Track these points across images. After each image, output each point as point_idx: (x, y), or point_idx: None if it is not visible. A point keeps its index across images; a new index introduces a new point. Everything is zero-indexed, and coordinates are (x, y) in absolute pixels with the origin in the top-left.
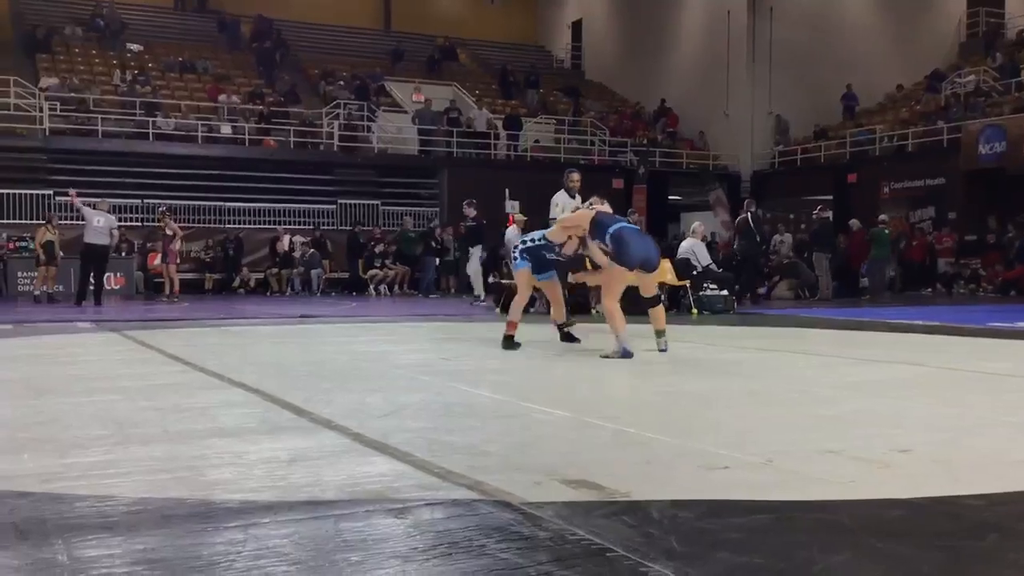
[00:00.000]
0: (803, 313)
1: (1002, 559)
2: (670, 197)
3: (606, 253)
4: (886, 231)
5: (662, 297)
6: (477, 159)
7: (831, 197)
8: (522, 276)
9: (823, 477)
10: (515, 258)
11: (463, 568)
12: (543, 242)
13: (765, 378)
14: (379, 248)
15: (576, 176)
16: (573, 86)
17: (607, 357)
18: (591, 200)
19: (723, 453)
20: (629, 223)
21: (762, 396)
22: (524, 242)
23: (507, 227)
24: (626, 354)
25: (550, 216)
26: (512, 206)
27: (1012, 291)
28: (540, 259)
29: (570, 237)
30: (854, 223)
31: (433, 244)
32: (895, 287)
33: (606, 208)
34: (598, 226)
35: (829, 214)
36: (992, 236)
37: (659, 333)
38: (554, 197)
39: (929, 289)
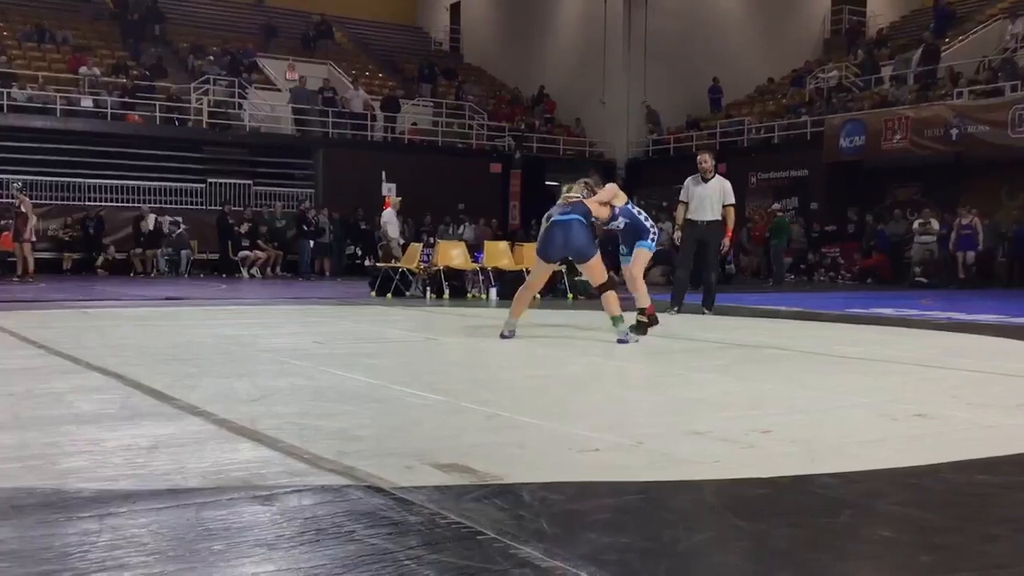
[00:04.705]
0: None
1: (855, 535)
2: (547, 182)
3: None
4: (786, 219)
5: (614, 283)
6: (353, 140)
7: None
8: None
9: (690, 458)
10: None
11: (331, 554)
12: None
13: (636, 362)
14: (244, 228)
15: (705, 156)
16: (451, 69)
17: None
18: (585, 180)
19: (595, 436)
20: (563, 213)
21: (634, 380)
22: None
23: (384, 210)
24: (504, 336)
25: (679, 198)
26: (389, 189)
27: (869, 278)
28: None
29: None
30: None
31: (305, 227)
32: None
33: (578, 195)
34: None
35: None
36: (851, 226)
37: (615, 320)
38: (686, 181)
39: (792, 276)
